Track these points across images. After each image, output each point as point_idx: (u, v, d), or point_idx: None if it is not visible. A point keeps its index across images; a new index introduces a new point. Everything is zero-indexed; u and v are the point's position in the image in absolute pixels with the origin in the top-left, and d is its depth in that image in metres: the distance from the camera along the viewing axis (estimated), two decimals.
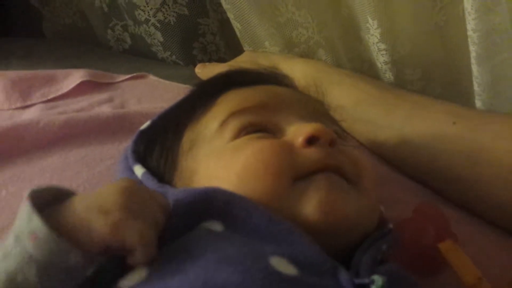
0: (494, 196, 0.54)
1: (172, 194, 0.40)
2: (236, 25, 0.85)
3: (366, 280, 0.36)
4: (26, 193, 0.53)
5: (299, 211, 0.39)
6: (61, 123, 0.64)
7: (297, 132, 0.43)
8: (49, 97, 0.75)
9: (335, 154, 0.42)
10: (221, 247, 0.35)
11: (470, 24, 0.65)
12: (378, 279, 0.36)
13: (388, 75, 0.79)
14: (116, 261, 0.34)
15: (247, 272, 0.33)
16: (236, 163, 0.41)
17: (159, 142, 0.49)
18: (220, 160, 0.43)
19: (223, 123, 0.45)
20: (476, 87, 0.71)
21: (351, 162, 0.43)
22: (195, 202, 0.38)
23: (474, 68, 0.69)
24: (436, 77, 0.80)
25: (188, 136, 0.47)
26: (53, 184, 0.36)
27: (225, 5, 0.83)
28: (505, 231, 0.55)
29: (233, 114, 0.45)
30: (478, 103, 0.72)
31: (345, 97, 0.67)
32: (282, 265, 0.34)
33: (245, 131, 0.44)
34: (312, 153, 0.41)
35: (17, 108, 0.73)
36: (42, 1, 1.09)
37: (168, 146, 0.48)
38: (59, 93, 0.76)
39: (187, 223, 0.37)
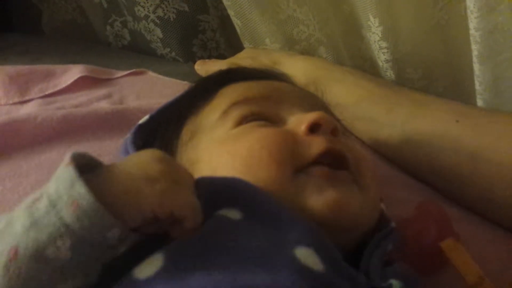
0: (495, 195, 0.54)
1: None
2: (236, 22, 0.84)
3: (383, 284, 0.36)
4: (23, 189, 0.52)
5: (304, 204, 0.38)
6: (59, 119, 0.64)
7: (299, 120, 0.43)
8: (47, 92, 0.75)
9: (337, 142, 0.42)
10: (243, 240, 0.34)
11: (472, 23, 0.65)
12: (396, 284, 0.36)
13: (389, 74, 0.78)
14: (131, 252, 0.33)
15: (274, 271, 0.31)
16: (241, 149, 0.41)
17: (159, 136, 0.48)
18: (223, 146, 0.42)
19: (224, 113, 0.44)
20: (477, 86, 0.70)
21: (352, 154, 0.42)
22: (210, 190, 0.37)
23: (476, 67, 0.68)
24: (437, 75, 0.79)
25: (187, 128, 0.47)
26: (82, 151, 0.33)
27: (225, 2, 0.83)
28: (506, 230, 0.55)
29: (234, 104, 0.45)
30: (480, 102, 0.71)
31: (347, 94, 0.66)
32: (309, 258, 0.33)
33: (246, 120, 0.44)
34: (314, 140, 0.41)
35: (14, 103, 0.73)
36: None
37: (168, 138, 0.47)
38: (57, 88, 0.76)
39: (203, 210, 0.35)
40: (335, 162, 0.41)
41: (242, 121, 0.44)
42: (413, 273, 0.40)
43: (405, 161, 0.62)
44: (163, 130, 0.49)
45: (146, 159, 0.33)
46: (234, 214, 0.36)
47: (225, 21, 0.94)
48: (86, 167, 0.32)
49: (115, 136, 0.63)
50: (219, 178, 0.39)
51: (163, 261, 0.32)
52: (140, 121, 0.52)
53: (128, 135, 0.50)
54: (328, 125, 0.42)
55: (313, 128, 0.41)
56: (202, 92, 0.49)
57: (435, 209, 0.48)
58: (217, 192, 0.37)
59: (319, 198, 0.38)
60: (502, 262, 0.50)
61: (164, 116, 0.50)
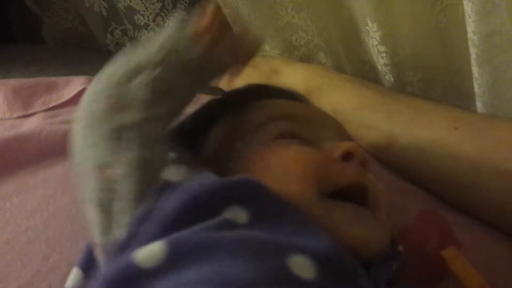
0: (496, 202, 0.54)
1: (206, 178, 0.39)
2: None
3: None
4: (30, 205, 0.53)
5: (331, 228, 0.39)
6: (63, 133, 0.64)
7: (334, 146, 0.44)
8: (50, 105, 0.75)
9: (364, 175, 0.43)
10: (241, 241, 0.34)
11: (470, 26, 0.65)
12: None
13: (389, 77, 0.79)
14: None
15: (260, 271, 0.32)
16: (275, 165, 0.42)
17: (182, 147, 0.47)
18: (259, 159, 0.43)
19: (260, 126, 0.45)
20: (476, 89, 0.71)
21: (372, 188, 0.43)
22: (225, 187, 0.37)
23: (475, 70, 0.69)
24: (436, 79, 0.80)
25: (227, 132, 0.47)
26: None
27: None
28: (508, 237, 0.55)
29: (271, 119, 0.45)
30: (479, 105, 0.72)
31: (347, 102, 0.67)
32: (301, 266, 0.33)
33: (284, 136, 0.44)
34: (346, 168, 0.42)
35: (18, 117, 0.73)
36: (41, 6, 1.09)
37: (196, 150, 0.48)
38: (60, 101, 0.76)
39: (214, 205, 0.36)
40: (358, 195, 0.42)
41: (281, 136, 0.44)
42: None
43: (405, 168, 0.63)
44: (188, 141, 0.48)
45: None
46: (241, 216, 0.36)
47: None
48: None
49: None
50: (236, 178, 0.39)
51: (165, 252, 0.32)
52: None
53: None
54: (360, 156, 0.43)
55: (346, 157, 0.43)
56: (232, 104, 0.50)
57: (436, 218, 0.49)
58: (228, 188, 0.37)
59: (348, 231, 0.39)
60: (505, 270, 0.51)
61: (190, 125, 0.50)
